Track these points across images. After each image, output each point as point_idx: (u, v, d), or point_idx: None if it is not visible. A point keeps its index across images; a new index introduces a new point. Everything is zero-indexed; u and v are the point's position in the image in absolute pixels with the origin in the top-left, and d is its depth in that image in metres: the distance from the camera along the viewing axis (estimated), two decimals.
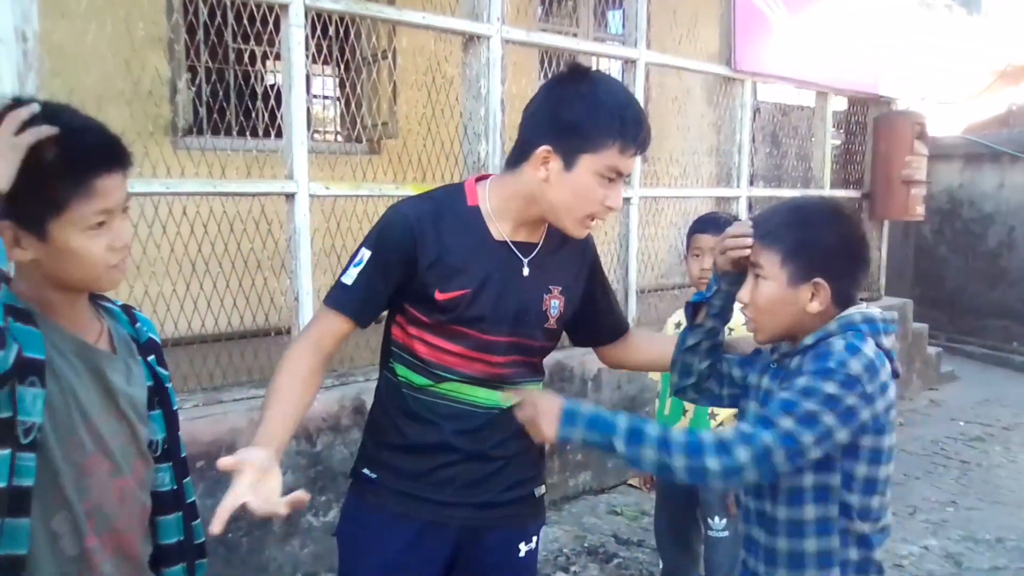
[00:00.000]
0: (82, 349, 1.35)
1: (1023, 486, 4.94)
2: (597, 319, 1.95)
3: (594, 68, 1.76)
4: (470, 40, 3.82)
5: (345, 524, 1.86)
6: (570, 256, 1.82)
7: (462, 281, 1.66)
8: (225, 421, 3.14)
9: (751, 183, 5.58)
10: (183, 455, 1.57)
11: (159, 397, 1.51)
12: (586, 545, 3.90)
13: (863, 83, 6.30)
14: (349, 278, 1.68)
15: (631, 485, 4.59)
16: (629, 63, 4.68)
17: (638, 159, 1.92)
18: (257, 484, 1.37)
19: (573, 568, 3.70)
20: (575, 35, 6.43)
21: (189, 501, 1.57)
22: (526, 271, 1.73)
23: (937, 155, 7.73)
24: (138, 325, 1.52)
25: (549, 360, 4.46)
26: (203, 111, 4.40)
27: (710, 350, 1.79)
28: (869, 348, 1.51)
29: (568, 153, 1.61)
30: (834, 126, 6.44)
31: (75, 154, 1.27)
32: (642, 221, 4.85)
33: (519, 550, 1.84)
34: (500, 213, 1.71)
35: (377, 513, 1.76)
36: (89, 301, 1.43)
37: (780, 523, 1.59)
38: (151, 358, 1.51)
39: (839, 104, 6.64)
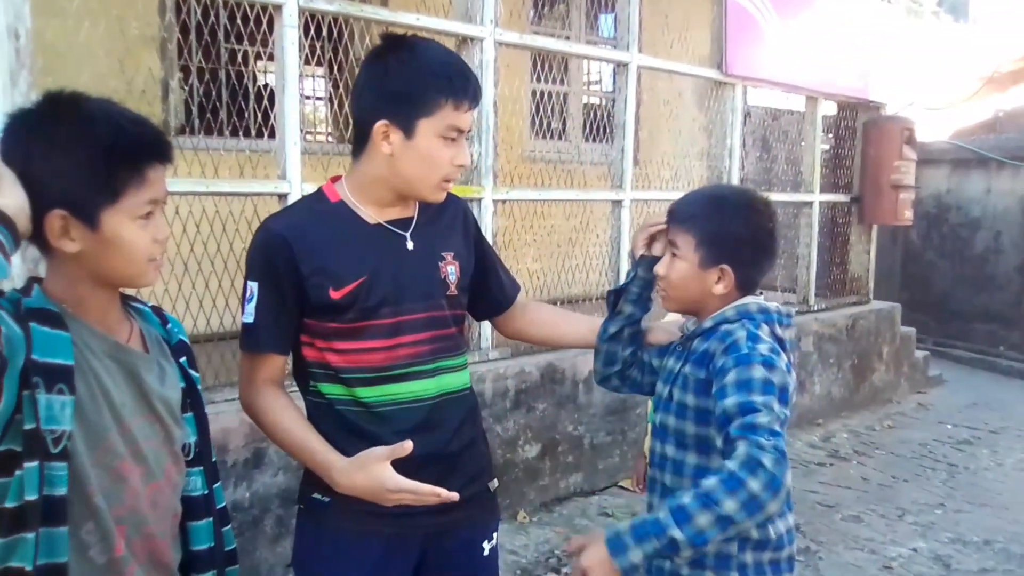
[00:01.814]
0: (115, 349, 1.34)
1: (1010, 488, 4.97)
2: (489, 284, 1.95)
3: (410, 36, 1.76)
4: (463, 42, 3.83)
5: (303, 553, 1.77)
6: (450, 224, 1.83)
7: (353, 272, 1.64)
8: (217, 421, 3.12)
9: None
10: (214, 459, 1.56)
11: (191, 399, 1.49)
12: None
13: (853, 88, 6.34)
14: (250, 316, 1.66)
15: (622, 487, 4.60)
16: (621, 66, 4.70)
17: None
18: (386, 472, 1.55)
19: (564, 570, 3.70)
20: (567, 38, 6.45)
21: (220, 507, 1.56)
22: (410, 244, 1.72)
23: (925, 160, 7.78)
24: (169, 326, 1.51)
25: (540, 361, 4.51)
26: (196, 111, 4.39)
27: (632, 337, 1.90)
28: (764, 334, 1.65)
29: (405, 122, 1.61)
30: (824, 130, 6.47)
31: (132, 144, 1.28)
32: (633, 224, 4.86)
33: (483, 549, 1.83)
34: (364, 200, 1.70)
35: (336, 536, 1.71)
36: (120, 302, 1.42)
37: (688, 467, 1.72)
38: (183, 359, 1.50)
39: (829, 109, 6.68)
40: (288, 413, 1.68)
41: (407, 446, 1.54)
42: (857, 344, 6.53)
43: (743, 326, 1.65)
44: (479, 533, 1.83)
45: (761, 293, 1.79)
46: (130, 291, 1.47)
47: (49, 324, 1.24)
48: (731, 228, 1.71)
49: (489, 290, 1.96)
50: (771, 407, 1.51)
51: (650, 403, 3.00)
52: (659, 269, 1.77)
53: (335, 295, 1.63)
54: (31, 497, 1.20)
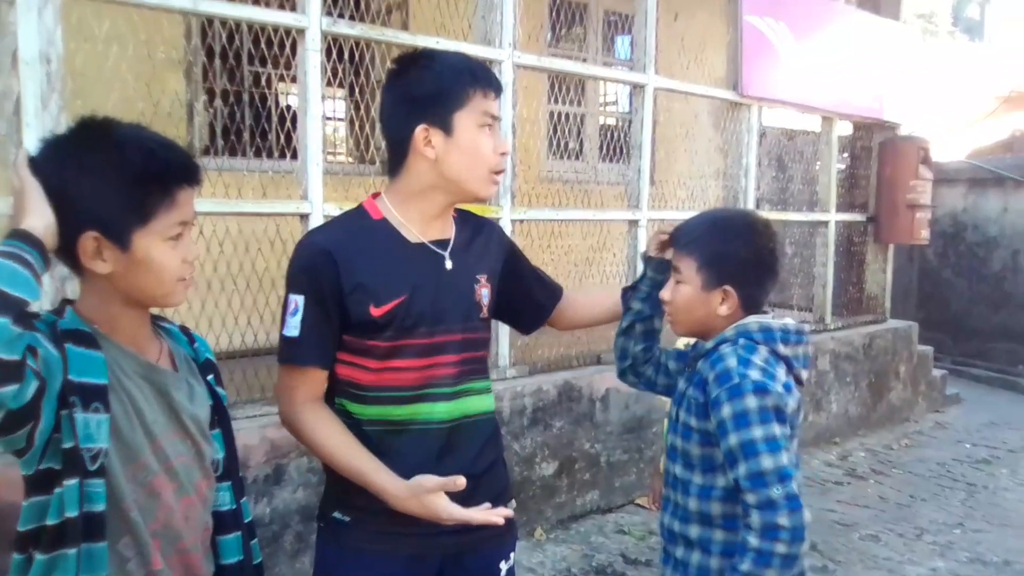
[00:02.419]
0: (146, 369, 1.38)
1: None
2: (531, 294, 1.99)
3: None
4: None
5: (324, 571, 1.78)
6: (484, 246, 1.86)
7: (395, 290, 1.65)
8: (238, 438, 3.12)
9: (757, 206, 5.63)
10: (240, 474, 1.60)
11: (219, 416, 1.53)
12: (594, 564, 3.92)
13: (868, 108, 6.36)
14: (294, 330, 1.64)
15: (639, 505, 4.60)
16: (637, 88, 4.75)
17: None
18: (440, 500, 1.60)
19: None
20: (584, 60, 6.52)
21: (247, 521, 1.59)
22: (449, 264, 1.74)
23: (941, 179, 7.78)
24: (196, 345, 1.56)
25: (557, 379, 4.52)
26: (220, 132, 4.48)
27: (644, 335, 1.96)
28: (759, 357, 1.67)
29: (443, 119, 1.66)
30: (840, 150, 6.49)
31: (162, 167, 1.33)
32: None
33: (500, 570, 1.84)
34: (407, 217, 1.72)
35: (356, 556, 1.71)
36: (150, 321, 1.46)
37: (693, 486, 1.74)
38: (210, 377, 1.54)
39: (844, 129, 6.69)
40: (333, 428, 1.67)
41: (460, 482, 1.57)
42: (874, 363, 6.51)
43: (735, 351, 1.67)
44: (497, 553, 1.84)
45: (769, 311, 1.81)
46: (158, 311, 1.50)
47: (83, 344, 1.28)
48: (731, 249, 1.75)
49: (529, 301, 1.99)
50: (772, 438, 1.57)
51: (665, 422, 3.03)
52: (664, 295, 1.82)
53: (375, 312, 1.64)
54: (71, 514, 1.24)
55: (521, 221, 4.20)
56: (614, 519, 4.46)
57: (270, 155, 4.21)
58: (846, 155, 6.95)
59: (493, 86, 1.70)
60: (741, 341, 1.70)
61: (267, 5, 3.94)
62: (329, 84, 4.04)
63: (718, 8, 5.70)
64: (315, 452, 1.70)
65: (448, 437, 1.72)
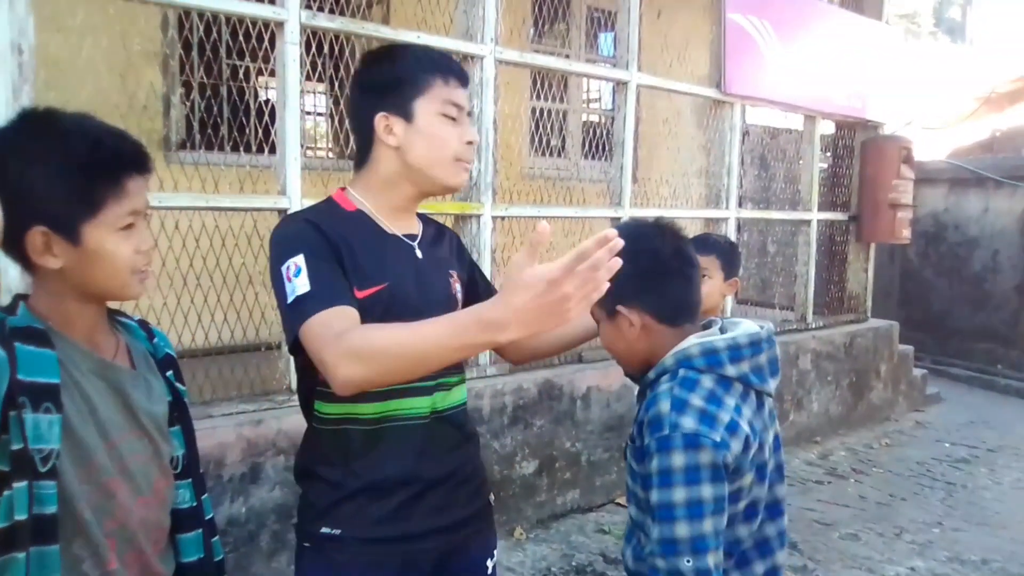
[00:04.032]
0: (101, 367, 1.35)
1: (1008, 507, 4.97)
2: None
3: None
4: (464, 60, 3.86)
5: None
6: (448, 248, 1.84)
7: (376, 277, 1.61)
8: (214, 436, 3.14)
9: (740, 205, 5.63)
10: (201, 471, 1.56)
11: (178, 412, 1.50)
12: (574, 564, 3.90)
13: (851, 108, 6.38)
14: (304, 286, 1.48)
15: (619, 504, 4.59)
16: (620, 85, 4.73)
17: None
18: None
19: None
20: (567, 56, 6.49)
21: (208, 518, 1.56)
22: (420, 256, 1.71)
23: (923, 179, 7.82)
24: (155, 340, 1.52)
25: (537, 378, 4.50)
26: (197, 126, 4.42)
27: None
28: (699, 394, 1.47)
29: (402, 106, 1.63)
30: (822, 149, 6.51)
31: (109, 155, 1.29)
32: None
33: (487, 568, 1.82)
34: (377, 208, 1.69)
35: (347, 571, 1.63)
36: (107, 317, 1.42)
37: (647, 526, 1.54)
38: (169, 373, 1.50)
39: (827, 128, 6.71)
40: (394, 327, 1.38)
41: (542, 227, 1.21)
42: (855, 362, 6.53)
43: (669, 390, 1.48)
44: (483, 551, 1.82)
45: (721, 317, 1.64)
46: (118, 304, 1.46)
47: (34, 342, 1.25)
48: None
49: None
50: (695, 503, 1.41)
51: None
52: (601, 340, 1.67)
53: (359, 294, 1.56)
54: (21, 517, 1.20)
55: (503, 218, 4.17)
56: (595, 518, 4.44)
57: (248, 149, 4.16)
58: (828, 154, 6.98)
59: (455, 74, 1.67)
60: (681, 372, 1.51)
61: None
62: (309, 78, 4.00)
63: (702, 6, 5.70)
64: (389, 359, 1.34)
65: (428, 432, 1.68)
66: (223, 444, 3.15)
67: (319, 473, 1.66)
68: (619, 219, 4.70)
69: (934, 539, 4.45)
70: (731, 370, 1.51)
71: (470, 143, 1.68)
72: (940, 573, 4.03)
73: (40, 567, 1.22)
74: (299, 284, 1.48)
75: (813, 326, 6.30)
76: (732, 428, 1.45)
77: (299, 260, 1.50)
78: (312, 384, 1.66)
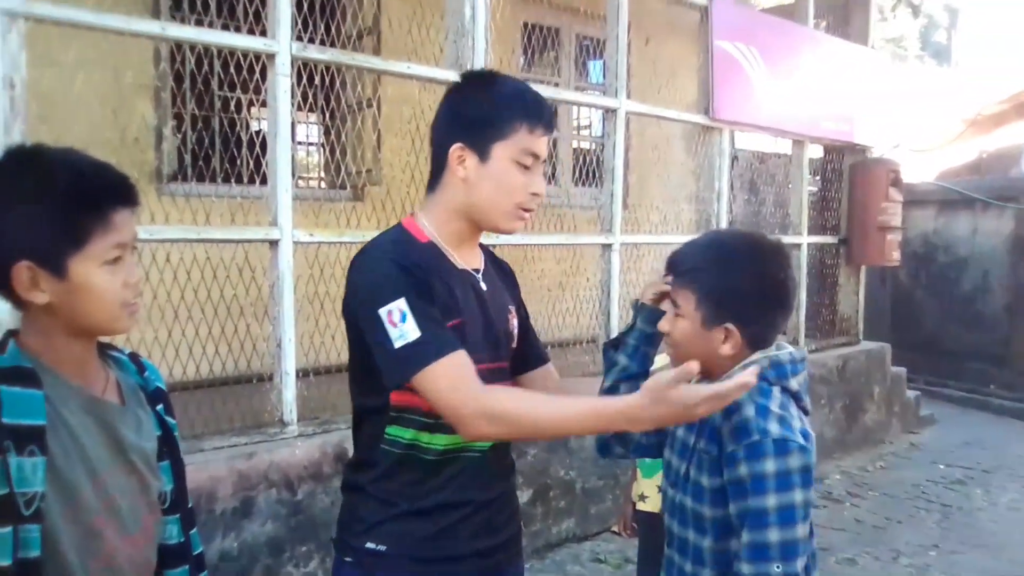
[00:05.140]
0: (90, 403, 1.33)
1: (1005, 529, 4.95)
2: (526, 345, 1.89)
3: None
4: None
5: None
6: (504, 281, 1.84)
7: (454, 311, 1.61)
8: (205, 470, 3.11)
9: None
10: (190, 505, 1.55)
11: (167, 447, 1.48)
12: None
13: (838, 131, 6.43)
14: (414, 332, 1.50)
15: (614, 532, 4.54)
16: (610, 112, 4.77)
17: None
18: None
19: None
20: (556, 84, 6.54)
21: (196, 553, 1.54)
22: (485, 289, 1.71)
23: (912, 201, 7.87)
24: (146, 374, 1.50)
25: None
26: (188, 158, 4.43)
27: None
28: (775, 402, 1.51)
29: (480, 145, 1.62)
30: (811, 173, 6.55)
31: (93, 188, 1.28)
32: (623, 267, 4.89)
33: None
34: (447, 240, 1.68)
35: None
36: (97, 351, 1.41)
37: (706, 553, 1.56)
38: (159, 407, 1.49)
39: (815, 152, 6.77)
40: (533, 396, 1.54)
41: (693, 367, 1.37)
42: (848, 385, 6.53)
43: (751, 396, 1.49)
44: (516, 573, 1.82)
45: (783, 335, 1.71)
46: (110, 338, 1.45)
47: (20, 383, 1.23)
48: (734, 283, 1.55)
49: (529, 346, 1.91)
50: (788, 508, 1.44)
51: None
52: (662, 326, 1.64)
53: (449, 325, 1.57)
54: (4, 563, 1.19)
55: (493, 246, 4.17)
56: (590, 547, 4.42)
57: (239, 180, 4.17)
58: (817, 178, 7.03)
59: (543, 124, 1.64)
60: (754, 389, 1.51)
61: (237, 30, 3.92)
62: (300, 108, 4.01)
63: (689, 33, 5.76)
64: (527, 426, 1.49)
65: (484, 460, 1.69)
66: (214, 477, 3.12)
67: (373, 491, 1.65)
68: (610, 246, 4.71)
69: (931, 562, 4.43)
70: (793, 383, 1.57)
71: (535, 194, 1.67)
72: None
73: None
74: (407, 330, 1.50)
75: (806, 350, 6.30)
76: (805, 435, 1.50)
77: (401, 304, 1.51)
78: (381, 407, 1.64)
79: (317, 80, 3.90)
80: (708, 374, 1.59)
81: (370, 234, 3.72)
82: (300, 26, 3.64)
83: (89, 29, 2.90)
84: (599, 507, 4.59)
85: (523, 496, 4.22)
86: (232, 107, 4.71)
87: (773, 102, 5.69)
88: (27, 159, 1.29)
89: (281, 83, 3.27)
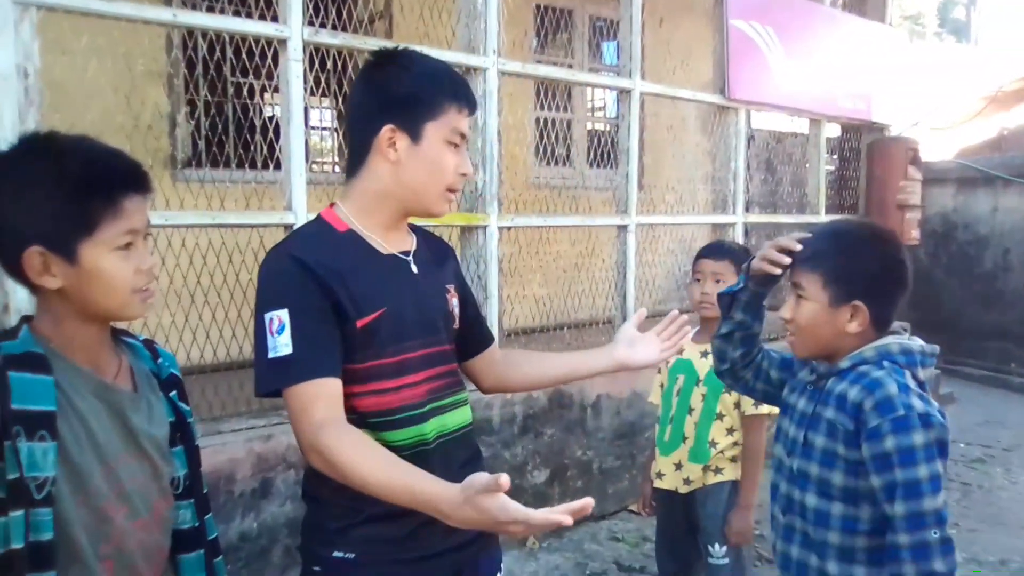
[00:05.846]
0: (101, 389, 1.34)
1: None
2: (469, 327, 1.86)
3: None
4: (467, 72, 3.87)
5: None
6: (441, 261, 1.80)
7: (375, 302, 1.57)
8: (224, 452, 3.14)
9: (747, 209, 5.62)
10: (205, 491, 1.55)
11: (181, 432, 1.49)
12: (588, 572, 3.89)
13: (856, 110, 6.37)
14: (287, 347, 1.48)
15: (632, 511, 4.57)
16: (624, 93, 4.74)
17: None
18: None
19: None
20: (570, 66, 6.51)
21: (211, 538, 1.55)
22: (416, 271, 1.67)
23: (931, 179, 7.78)
24: (160, 360, 1.51)
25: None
26: (202, 144, 4.45)
27: (743, 340, 1.90)
28: (911, 382, 1.61)
29: (412, 125, 1.58)
30: (828, 152, 6.50)
31: (104, 175, 1.30)
32: (639, 248, 4.88)
33: None
34: (369, 225, 1.64)
35: None
36: (111, 337, 1.42)
37: (834, 519, 1.67)
38: (173, 393, 1.49)
39: (833, 131, 6.70)
40: (367, 449, 1.45)
41: (504, 481, 1.29)
42: None
43: (890, 374, 1.61)
44: (491, 566, 1.80)
45: (906, 331, 1.76)
46: (124, 324, 1.46)
47: (30, 369, 1.25)
48: (861, 262, 1.68)
49: (473, 329, 1.89)
50: (935, 477, 1.55)
51: (656, 428, 3.00)
52: (784, 313, 1.73)
53: (360, 324, 1.55)
54: (17, 545, 1.20)
55: (509, 228, 4.18)
56: (607, 526, 4.43)
57: (253, 166, 4.18)
58: (835, 157, 6.97)
59: (468, 102, 1.64)
60: (886, 364, 1.64)
61: (248, 16, 3.92)
62: (313, 93, 4.02)
63: (704, 13, 5.71)
64: (348, 477, 1.44)
65: (454, 451, 1.67)
66: (233, 460, 3.15)
67: (336, 498, 1.59)
68: (625, 227, 4.70)
69: None
70: (922, 373, 1.68)
71: (464, 175, 1.66)
72: (958, 575, 3.99)
73: None
74: (282, 343, 1.49)
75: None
76: (941, 412, 1.61)
77: (283, 315, 1.50)
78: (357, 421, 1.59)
79: (329, 65, 3.89)
80: (832, 357, 1.72)
81: None
82: (311, 11, 3.64)
83: (100, 17, 2.91)
84: (616, 486, 4.60)
85: (540, 476, 4.23)
86: (245, 93, 4.72)
87: (789, 81, 5.64)
88: (39, 146, 1.31)
89: (293, 68, 3.28)
